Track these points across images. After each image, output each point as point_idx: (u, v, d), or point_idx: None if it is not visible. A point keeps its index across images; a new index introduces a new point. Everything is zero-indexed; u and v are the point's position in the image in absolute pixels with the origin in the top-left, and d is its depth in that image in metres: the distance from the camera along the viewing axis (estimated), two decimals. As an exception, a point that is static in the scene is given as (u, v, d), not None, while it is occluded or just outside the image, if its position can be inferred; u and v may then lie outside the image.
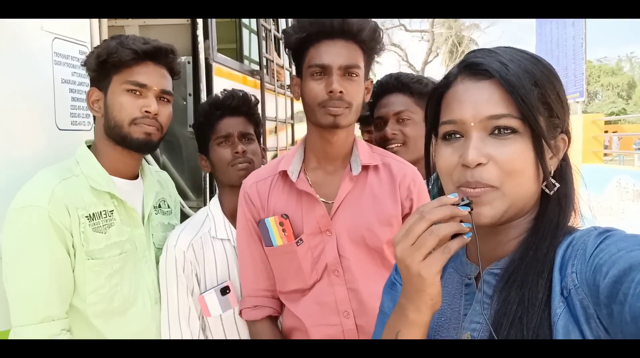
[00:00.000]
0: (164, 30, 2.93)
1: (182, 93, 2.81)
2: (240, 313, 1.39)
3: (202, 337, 1.44)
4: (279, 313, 1.40)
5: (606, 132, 7.96)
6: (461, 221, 0.68)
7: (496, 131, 0.70)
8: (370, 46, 1.25)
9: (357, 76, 1.23)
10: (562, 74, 9.06)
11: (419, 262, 0.66)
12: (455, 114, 0.73)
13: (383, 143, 1.60)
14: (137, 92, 1.31)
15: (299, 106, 4.55)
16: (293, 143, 4.15)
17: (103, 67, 1.30)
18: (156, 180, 1.53)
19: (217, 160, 1.49)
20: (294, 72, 1.35)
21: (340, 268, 1.28)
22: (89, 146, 1.38)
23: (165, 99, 1.37)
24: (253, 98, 1.58)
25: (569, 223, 0.73)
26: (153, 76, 1.32)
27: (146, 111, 1.30)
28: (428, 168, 0.86)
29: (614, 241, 0.62)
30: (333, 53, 1.20)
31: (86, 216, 1.26)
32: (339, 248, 1.28)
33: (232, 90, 1.56)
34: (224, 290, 1.42)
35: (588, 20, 8.30)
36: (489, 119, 0.69)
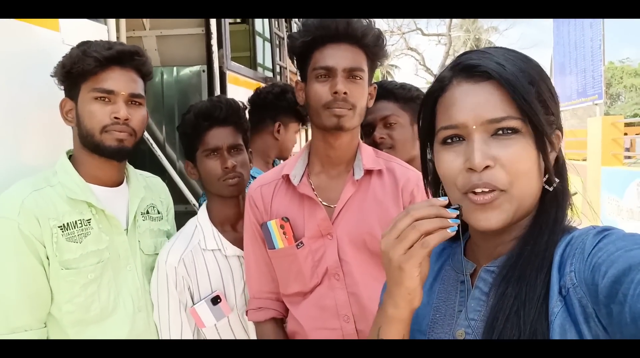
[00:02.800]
0: (180, 39, 3.03)
1: (197, 100, 2.88)
2: (246, 314, 1.43)
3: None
4: (284, 316, 1.43)
5: (626, 134, 7.79)
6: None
7: (499, 132, 0.69)
8: (374, 51, 1.27)
9: (361, 78, 1.25)
10: (581, 76, 8.95)
11: (400, 255, 0.68)
12: (455, 119, 0.71)
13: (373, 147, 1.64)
14: (106, 99, 1.29)
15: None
16: (307, 148, 4.20)
17: (69, 77, 1.30)
18: (142, 186, 1.49)
19: (205, 172, 1.46)
20: (297, 78, 1.38)
21: (341, 271, 1.29)
22: (70, 156, 1.38)
23: (137, 103, 1.34)
24: (241, 104, 1.55)
25: (568, 222, 0.74)
26: (120, 81, 1.30)
27: (115, 117, 1.29)
28: (425, 169, 0.86)
29: (613, 241, 0.62)
30: (337, 56, 1.23)
31: (59, 226, 1.25)
32: (339, 252, 1.29)
33: (219, 98, 1.52)
34: (215, 300, 1.42)
35: (609, 20, 8.20)
36: (491, 122, 0.69)
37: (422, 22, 27.16)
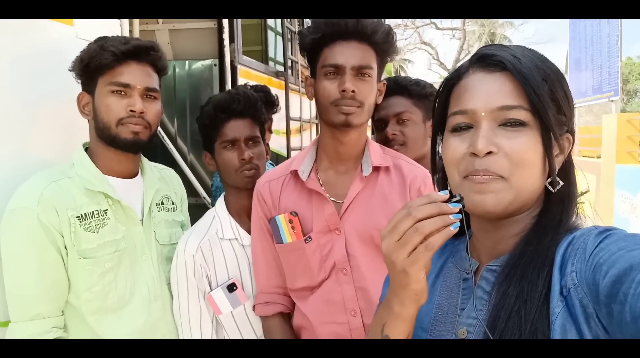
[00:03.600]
0: (192, 33, 3.05)
1: (209, 94, 2.90)
2: (253, 308, 1.45)
3: (214, 338, 1.48)
4: (291, 310, 1.44)
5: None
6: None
7: (507, 123, 0.70)
8: (384, 48, 1.28)
9: (369, 76, 1.25)
10: (597, 72, 8.82)
11: (404, 259, 0.65)
12: (466, 104, 0.72)
13: (383, 144, 1.61)
14: (122, 93, 1.32)
15: (323, 106, 4.61)
16: (318, 142, 4.20)
17: (87, 71, 1.33)
18: (157, 178, 1.53)
19: (223, 164, 1.49)
20: (307, 74, 1.39)
21: (349, 266, 1.30)
22: (87, 148, 1.41)
23: (152, 97, 1.37)
24: (261, 95, 1.57)
25: (573, 221, 0.74)
26: (136, 75, 1.33)
27: (131, 110, 1.32)
28: (434, 165, 0.86)
29: (614, 241, 0.62)
30: (346, 54, 1.23)
31: (77, 217, 1.28)
32: (347, 247, 1.30)
33: (237, 90, 1.54)
34: (231, 287, 1.45)
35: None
36: (500, 109, 0.70)
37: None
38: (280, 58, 3.73)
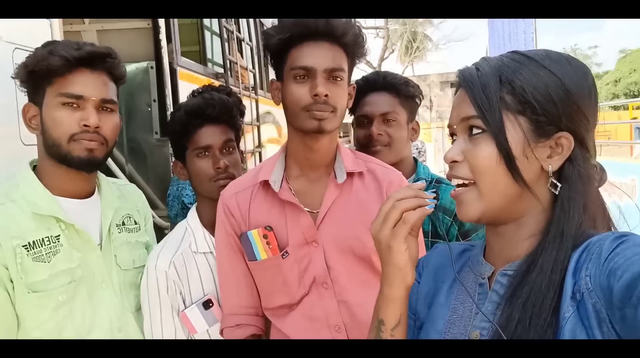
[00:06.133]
0: (124, 34, 2.84)
1: (146, 99, 2.72)
2: (221, 333, 1.34)
3: None
4: (264, 332, 1.35)
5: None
6: None
7: (472, 131, 0.75)
8: (354, 50, 1.22)
9: (341, 79, 1.20)
10: (515, 67, 9.37)
11: (386, 235, 0.76)
12: (450, 119, 0.81)
13: (367, 142, 1.57)
14: (74, 105, 1.18)
15: (264, 107, 4.50)
16: (259, 144, 4.10)
17: (33, 78, 1.18)
18: (116, 195, 1.39)
19: (196, 173, 1.41)
20: (272, 76, 1.30)
21: (329, 279, 1.24)
22: (35, 166, 1.27)
23: (109, 109, 1.24)
24: (235, 100, 1.48)
25: (585, 228, 0.72)
26: (90, 85, 1.19)
27: (85, 125, 1.18)
28: None
29: (630, 246, 0.62)
30: (317, 55, 1.16)
31: (23, 246, 1.15)
32: (326, 259, 1.24)
33: (211, 95, 1.44)
34: (207, 304, 1.35)
35: (537, 14, 8.62)
36: (462, 120, 0.76)
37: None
38: (218, 59, 3.58)
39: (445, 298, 0.85)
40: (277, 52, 1.22)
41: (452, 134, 0.80)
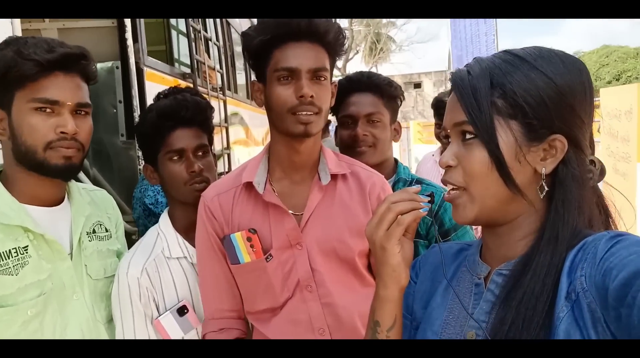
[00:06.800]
0: (87, 33, 2.74)
1: (111, 100, 2.63)
2: (203, 338, 1.30)
3: None
4: (246, 335, 1.33)
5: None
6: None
7: (465, 136, 0.75)
8: (335, 49, 1.21)
9: (325, 79, 1.19)
10: (477, 69, 9.60)
11: (380, 236, 0.77)
12: (444, 121, 0.80)
13: (352, 143, 1.56)
14: (48, 110, 1.12)
15: (232, 108, 4.43)
16: (228, 146, 4.04)
17: (1, 83, 1.11)
18: (87, 202, 1.33)
19: (169, 177, 1.37)
20: (254, 79, 1.27)
21: (313, 282, 1.22)
22: None
23: (83, 113, 1.19)
24: (207, 102, 1.45)
25: (583, 228, 0.72)
26: (65, 89, 1.13)
27: (62, 132, 1.12)
28: None
29: (626, 246, 0.62)
30: (301, 56, 1.15)
31: None
32: (310, 262, 1.23)
33: (184, 97, 1.40)
34: (181, 310, 1.31)
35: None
36: (455, 125, 0.76)
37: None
38: (184, 59, 3.50)
39: (441, 298, 0.85)
40: (258, 53, 1.19)
41: (446, 137, 0.80)
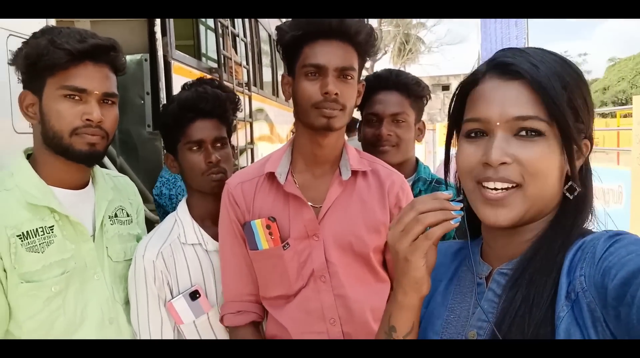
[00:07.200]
0: (118, 26, 2.81)
1: (139, 92, 2.71)
2: (221, 320, 1.34)
3: None
4: (262, 319, 1.37)
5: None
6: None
7: (522, 133, 0.69)
8: (365, 49, 1.23)
9: (352, 78, 1.21)
10: (507, 72, 9.44)
11: (406, 247, 0.71)
12: (481, 112, 0.72)
13: (375, 141, 1.57)
14: (76, 98, 1.16)
15: (257, 104, 4.49)
16: (252, 141, 4.09)
17: (34, 69, 1.15)
18: (110, 187, 1.38)
19: (188, 166, 1.41)
20: (284, 72, 1.30)
21: (327, 273, 1.25)
22: (29, 155, 1.25)
23: (110, 102, 1.23)
24: (228, 94, 1.47)
25: (585, 227, 0.74)
26: (93, 79, 1.17)
27: (88, 119, 1.17)
28: (447, 165, 0.86)
29: (624, 245, 0.62)
30: (329, 53, 1.18)
31: (18, 236, 1.13)
32: (326, 254, 1.25)
33: (205, 89, 1.43)
34: (194, 295, 1.36)
35: (529, 19, 8.70)
36: (516, 119, 0.69)
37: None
38: (212, 54, 3.57)
39: (442, 297, 0.85)
40: (289, 48, 1.23)
41: (476, 132, 0.73)
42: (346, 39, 1.19)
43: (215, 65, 3.50)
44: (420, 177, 1.61)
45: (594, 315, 0.62)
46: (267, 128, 5.15)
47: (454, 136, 0.81)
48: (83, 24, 2.96)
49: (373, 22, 28.23)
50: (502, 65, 0.72)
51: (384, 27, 28.20)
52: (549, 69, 0.69)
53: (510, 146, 0.69)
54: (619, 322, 0.58)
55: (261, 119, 4.86)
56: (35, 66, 1.14)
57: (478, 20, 11.00)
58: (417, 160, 1.68)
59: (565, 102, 0.69)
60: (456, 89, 0.80)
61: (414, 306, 0.77)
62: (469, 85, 0.77)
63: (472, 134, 0.74)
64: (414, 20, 28.97)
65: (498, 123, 0.70)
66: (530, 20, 8.48)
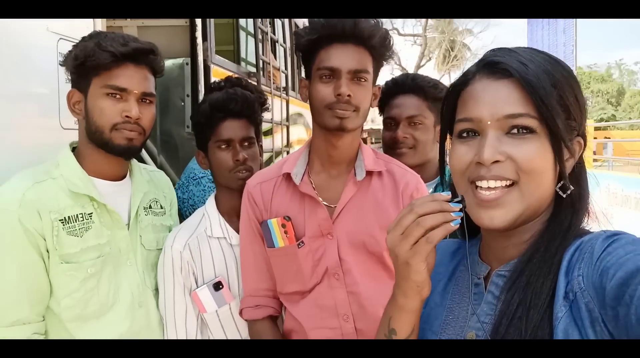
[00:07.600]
0: (162, 31, 2.96)
1: (180, 94, 2.83)
2: (240, 313, 1.41)
3: (199, 336, 1.47)
4: (280, 313, 1.42)
5: (595, 138, 8.02)
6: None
7: (514, 131, 0.70)
8: (380, 52, 1.27)
9: (365, 80, 1.24)
10: (553, 80, 9.18)
11: (406, 251, 0.70)
12: (472, 112, 0.73)
13: (393, 144, 1.61)
14: (118, 96, 1.28)
15: (294, 108, 4.58)
16: (288, 144, 4.18)
17: (81, 69, 1.27)
18: (146, 180, 1.50)
19: (216, 163, 1.49)
20: (302, 75, 1.36)
21: (341, 271, 1.29)
22: (74, 148, 1.37)
23: (148, 101, 1.34)
24: (257, 97, 1.55)
25: (582, 225, 0.74)
26: (133, 79, 1.29)
27: (127, 116, 1.28)
28: (442, 166, 0.87)
29: (622, 245, 0.62)
30: (343, 56, 1.22)
31: (60, 220, 1.24)
32: (339, 252, 1.29)
33: (235, 91, 1.52)
34: (217, 286, 1.44)
35: (581, 26, 8.44)
36: (507, 118, 0.70)
37: (398, 22, 27.40)
38: (251, 59, 3.68)
39: (440, 297, 0.85)
40: (306, 52, 1.29)
41: (468, 132, 0.74)
42: (360, 42, 1.23)
43: (254, 69, 3.61)
44: (445, 181, 1.62)
45: (592, 315, 0.62)
46: (304, 132, 5.23)
47: (448, 138, 0.82)
48: (131, 29, 3.13)
49: (418, 29, 28.01)
50: (492, 64, 0.73)
51: (429, 34, 27.91)
52: (538, 67, 0.70)
53: (503, 144, 0.70)
54: (618, 322, 0.57)
55: (299, 124, 4.94)
56: (83, 66, 1.26)
57: (525, 27, 10.77)
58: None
59: (555, 100, 0.69)
60: (447, 90, 0.81)
61: (415, 309, 0.76)
62: (460, 86, 0.77)
63: (464, 134, 0.74)
64: (460, 27, 28.52)
65: (489, 122, 0.71)
66: (579, 26, 8.24)
